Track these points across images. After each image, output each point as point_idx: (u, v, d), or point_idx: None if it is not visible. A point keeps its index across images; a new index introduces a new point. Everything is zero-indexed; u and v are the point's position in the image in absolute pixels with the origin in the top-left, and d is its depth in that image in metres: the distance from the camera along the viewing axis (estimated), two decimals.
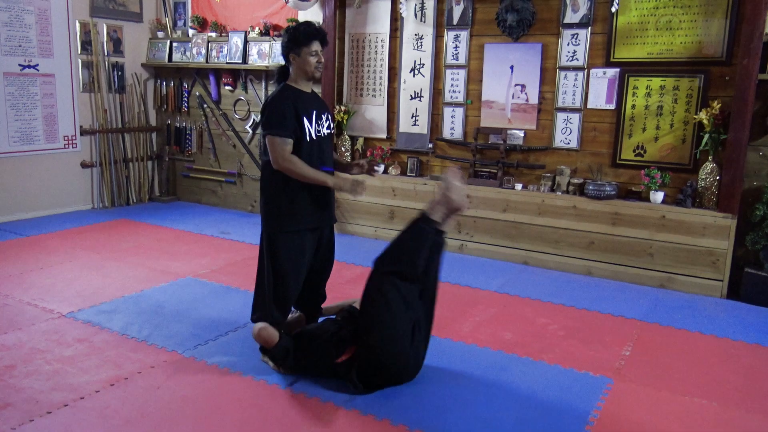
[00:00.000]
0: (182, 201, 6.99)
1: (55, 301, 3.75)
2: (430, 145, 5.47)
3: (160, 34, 6.70)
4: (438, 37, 5.33)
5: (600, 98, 4.73)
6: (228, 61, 6.21)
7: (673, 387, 2.91)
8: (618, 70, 4.63)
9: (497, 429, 2.50)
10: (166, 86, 6.79)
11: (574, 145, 4.87)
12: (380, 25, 5.58)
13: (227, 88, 6.41)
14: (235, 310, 3.69)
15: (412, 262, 2.70)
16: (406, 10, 5.36)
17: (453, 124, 5.35)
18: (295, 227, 2.95)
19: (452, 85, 5.31)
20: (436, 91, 5.40)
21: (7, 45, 5.60)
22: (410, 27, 5.42)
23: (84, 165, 6.33)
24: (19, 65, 5.71)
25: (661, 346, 3.38)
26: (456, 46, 5.25)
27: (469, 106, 5.27)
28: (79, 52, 6.16)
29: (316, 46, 2.92)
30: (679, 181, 4.49)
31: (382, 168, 5.50)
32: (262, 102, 6.18)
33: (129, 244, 5.08)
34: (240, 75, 6.28)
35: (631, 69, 4.58)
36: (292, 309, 3.22)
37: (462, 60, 5.24)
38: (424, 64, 5.40)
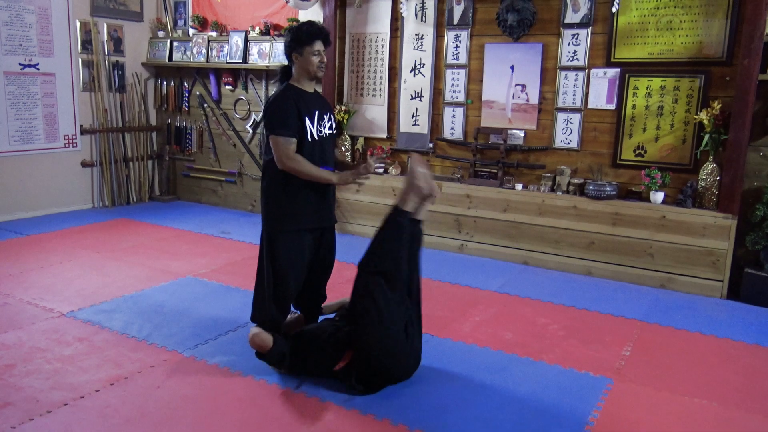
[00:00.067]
0: (182, 200, 6.99)
1: (55, 301, 3.75)
2: (431, 145, 5.47)
3: (161, 34, 6.71)
4: (438, 36, 5.32)
5: (600, 98, 4.73)
6: (228, 61, 6.21)
7: (673, 387, 2.91)
8: (618, 70, 4.63)
9: (497, 429, 2.50)
10: (166, 86, 6.79)
11: (574, 145, 4.87)
12: (381, 25, 5.58)
13: (227, 87, 6.41)
14: (235, 309, 3.69)
15: (395, 259, 2.71)
16: (407, 10, 5.35)
17: (453, 124, 5.34)
18: (295, 227, 2.96)
19: (453, 85, 5.31)
20: (437, 91, 5.40)
21: (8, 44, 5.61)
22: (411, 27, 5.42)
23: (84, 164, 6.33)
24: (20, 64, 5.71)
25: (661, 347, 3.38)
26: (456, 46, 5.24)
27: (470, 106, 5.27)
28: (80, 51, 6.16)
29: (318, 46, 2.92)
30: (680, 181, 4.49)
31: (382, 169, 5.50)
32: (263, 102, 6.18)
33: (129, 244, 5.08)
34: (240, 74, 6.28)
35: (631, 69, 4.58)
36: (292, 309, 3.22)
37: (462, 60, 5.23)
38: (424, 64, 5.40)
